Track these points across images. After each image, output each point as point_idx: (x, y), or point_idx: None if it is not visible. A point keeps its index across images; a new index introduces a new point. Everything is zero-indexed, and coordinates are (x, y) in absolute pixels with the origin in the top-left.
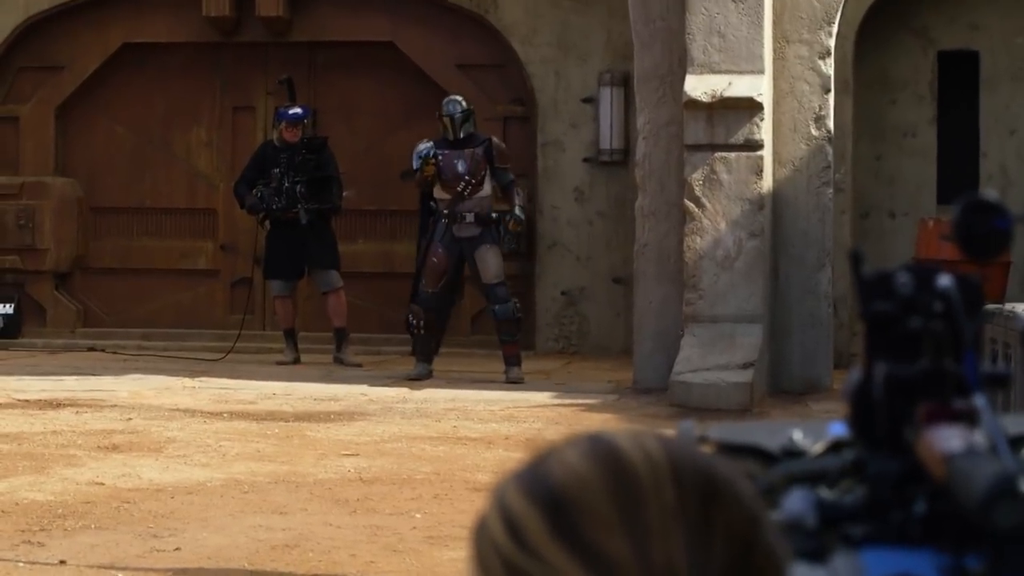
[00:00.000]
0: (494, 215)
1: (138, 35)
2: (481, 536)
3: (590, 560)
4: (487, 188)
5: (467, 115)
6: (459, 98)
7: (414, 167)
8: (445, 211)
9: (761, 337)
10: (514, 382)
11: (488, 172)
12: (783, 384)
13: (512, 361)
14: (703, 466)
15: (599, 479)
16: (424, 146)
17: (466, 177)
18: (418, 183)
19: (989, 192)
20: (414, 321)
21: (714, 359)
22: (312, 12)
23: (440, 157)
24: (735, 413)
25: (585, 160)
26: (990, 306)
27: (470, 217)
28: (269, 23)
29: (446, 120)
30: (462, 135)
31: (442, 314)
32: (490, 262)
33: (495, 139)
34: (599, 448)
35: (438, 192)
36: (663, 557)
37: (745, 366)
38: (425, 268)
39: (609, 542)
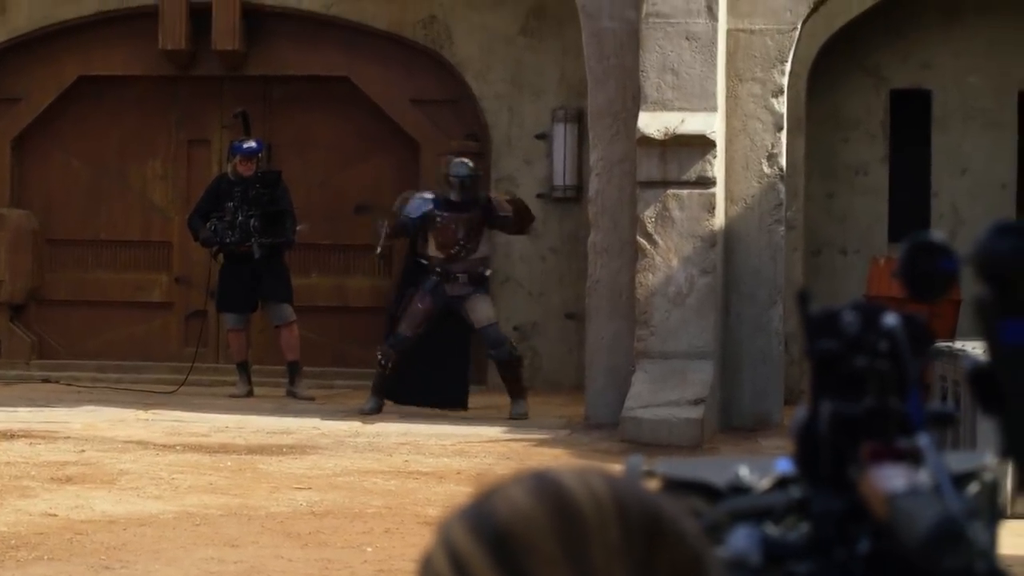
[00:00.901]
0: (487, 273)
1: (94, 68)
2: (427, 572)
3: None
4: (482, 249)
5: (474, 179)
6: (467, 161)
7: (412, 215)
8: (438, 269)
9: (712, 373)
10: (517, 418)
11: (485, 235)
12: (734, 420)
13: (516, 395)
14: (648, 504)
15: (544, 517)
16: (426, 199)
17: (462, 242)
18: (390, 233)
19: (935, 233)
20: (383, 361)
21: (665, 395)
22: (268, 46)
23: (439, 218)
24: (686, 449)
25: (538, 196)
26: (940, 344)
27: (463, 278)
28: (225, 57)
29: (453, 180)
30: (464, 198)
31: (407, 355)
32: (479, 308)
33: (493, 195)
34: (544, 486)
35: (432, 250)
36: None
37: (696, 402)
38: (408, 313)
39: None
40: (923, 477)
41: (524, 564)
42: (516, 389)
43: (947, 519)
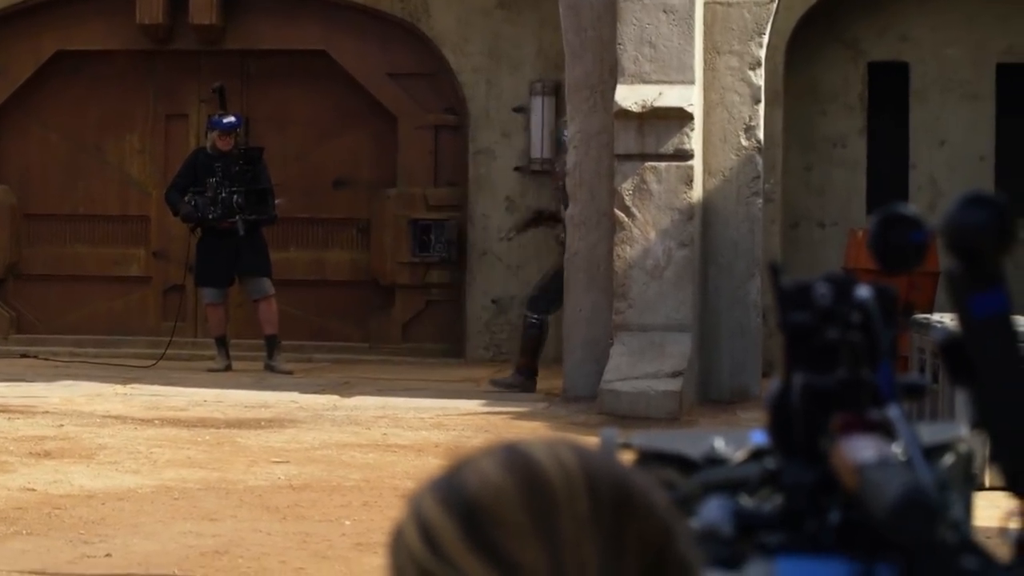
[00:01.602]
0: None
1: (71, 42)
2: (397, 544)
3: (504, 568)
4: None
5: None
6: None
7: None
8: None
9: (690, 346)
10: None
11: None
12: (712, 393)
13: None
14: (618, 477)
15: (514, 489)
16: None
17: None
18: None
19: (906, 205)
20: (539, 324)
21: (643, 368)
22: (245, 20)
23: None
24: (664, 421)
25: (516, 169)
26: (918, 316)
27: None
28: (202, 31)
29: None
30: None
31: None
32: None
33: None
34: (514, 458)
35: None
36: (575, 566)
37: (674, 375)
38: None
39: (523, 551)
40: (893, 448)
41: (494, 536)
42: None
43: (913, 489)
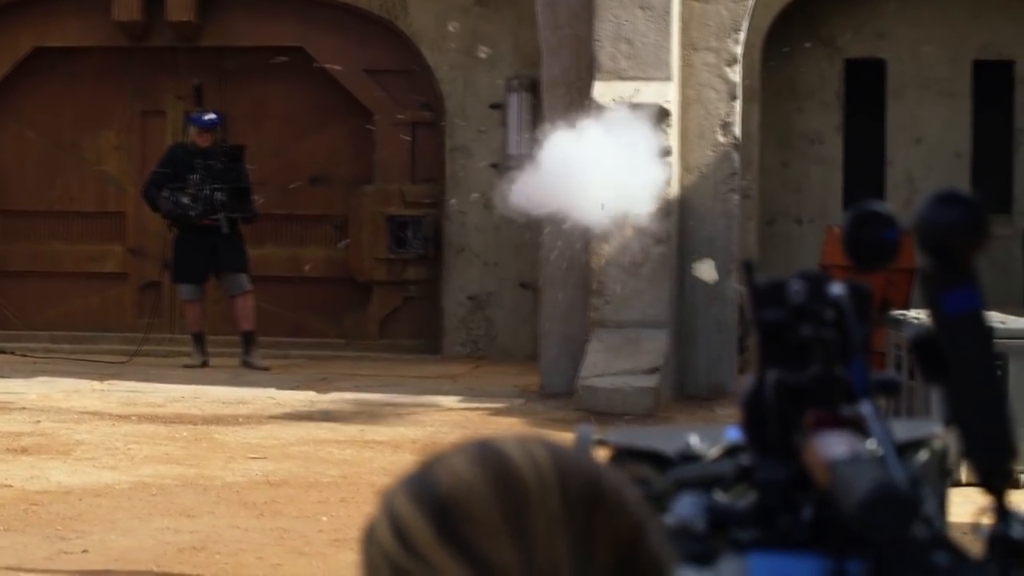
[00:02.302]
0: None
1: (48, 39)
2: (370, 540)
3: (475, 564)
4: None
5: None
6: None
7: None
8: None
9: (667, 342)
10: None
11: None
12: (689, 389)
13: None
14: (589, 473)
15: (485, 485)
16: None
17: None
18: None
19: (879, 203)
20: None
21: (620, 364)
22: (222, 17)
23: None
24: (641, 418)
25: (493, 166)
26: (895, 313)
27: None
28: (179, 28)
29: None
30: None
31: None
32: None
33: None
34: (486, 455)
35: None
36: (547, 563)
37: (651, 371)
38: None
39: (494, 547)
40: (865, 445)
41: (465, 532)
42: None
43: (883, 485)
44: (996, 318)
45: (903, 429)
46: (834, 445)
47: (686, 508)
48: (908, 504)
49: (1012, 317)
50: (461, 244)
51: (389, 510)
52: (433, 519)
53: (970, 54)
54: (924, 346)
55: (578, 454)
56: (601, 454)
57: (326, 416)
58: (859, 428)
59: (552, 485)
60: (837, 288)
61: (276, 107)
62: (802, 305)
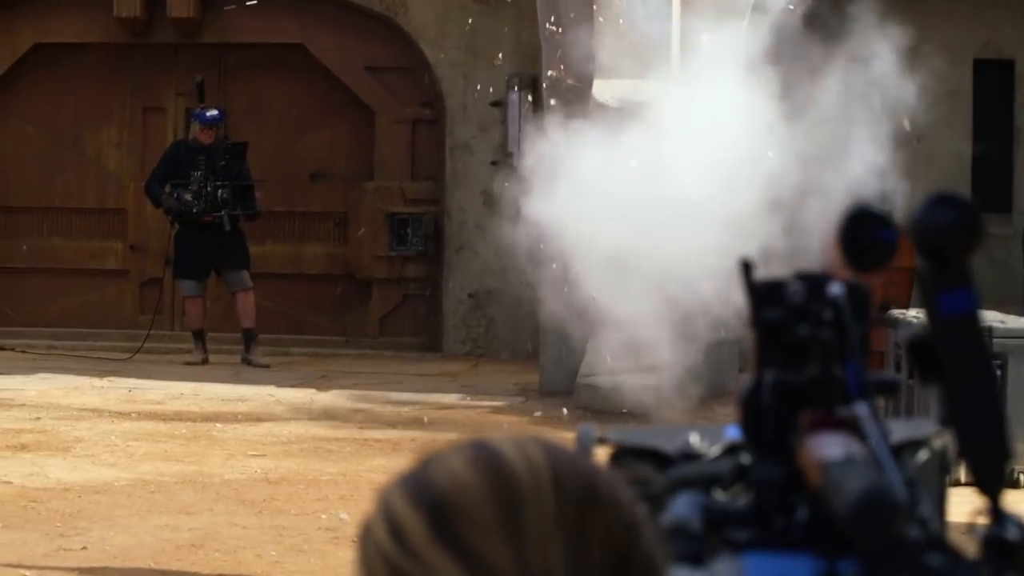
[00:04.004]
0: None
1: (49, 35)
2: (365, 539)
3: (470, 563)
4: None
5: None
6: None
7: None
8: None
9: (668, 340)
10: None
11: None
12: (690, 387)
13: None
14: (584, 473)
15: (480, 485)
16: None
17: None
18: None
19: (875, 203)
20: None
21: (620, 362)
22: (223, 14)
23: None
24: (641, 416)
25: (493, 163)
26: (894, 312)
27: None
28: (180, 24)
29: None
30: None
31: None
32: None
33: None
34: (482, 454)
35: None
36: (541, 562)
37: (651, 369)
38: None
39: (489, 546)
40: (860, 446)
41: (460, 531)
42: None
43: (874, 487)
44: (996, 318)
45: (902, 429)
46: (828, 446)
47: (682, 507)
48: (898, 506)
49: (1012, 317)
50: (461, 242)
51: (385, 509)
52: (428, 518)
53: (971, 53)
54: (919, 347)
55: (573, 454)
56: (601, 452)
57: (326, 414)
58: (855, 429)
59: (547, 485)
60: (836, 288)
61: (276, 104)
62: (801, 305)
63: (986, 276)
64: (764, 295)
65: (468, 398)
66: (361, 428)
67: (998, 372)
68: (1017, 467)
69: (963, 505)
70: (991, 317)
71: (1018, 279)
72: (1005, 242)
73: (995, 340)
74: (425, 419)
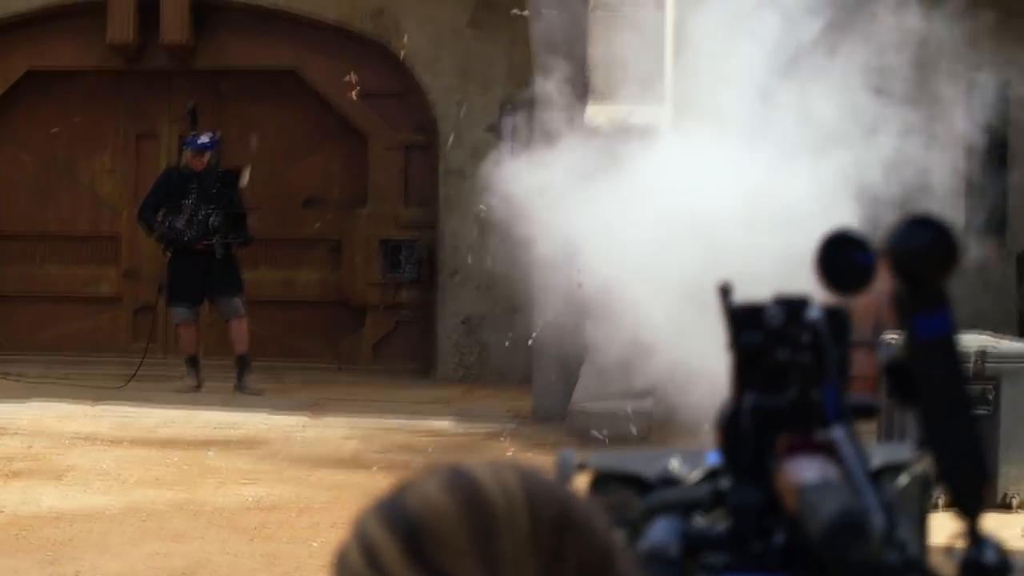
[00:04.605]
0: None
1: (42, 61)
2: (341, 563)
3: None
4: None
5: None
6: None
7: None
8: None
9: (660, 365)
10: None
11: None
12: (682, 412)
13: None
14: (559, 499)
15: (455, 509)
16: None
17: None
18: None
19: (853, 227)
20: None
21: (613, 387)
22: (216, 39)
23: None
24: (634, 441)
25: (487, 188)
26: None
27: None
28: (173, 50)
29: None
30: None
31: None
32: None
33: None
34: (457, 479)
35: None
36: None
37: (644, 394)
38: None
39: (462, 570)
40: (837, 470)
41: (435, 556)
42: None
43: (847, 511)
44: (988, 341)
45: (883, 453)
46: (805, 470)
47: (660, 533)
48: (872, 530)
49: (1005, 340)
50: (454, 267)
51: (360, 533)
52: (402, 542)
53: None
54: (896, 370)
55: (549, 480)
56: (582, 478)
57: (319, 440)
58: (833, 453)
59: (521, 509)
60: (814, 312)
61: (269, 129)
62: (779, 328)
63: (980, 299)
64: (743, 319)
65: (461, 424)
66: (354, 454)
67: (991, 396)
68: (1010, 490)
69: (944, 529)
70: (984, 341)
71: (1012, 302)
72: (1000, 265)
73: (988, 364)
74: (418, 445)
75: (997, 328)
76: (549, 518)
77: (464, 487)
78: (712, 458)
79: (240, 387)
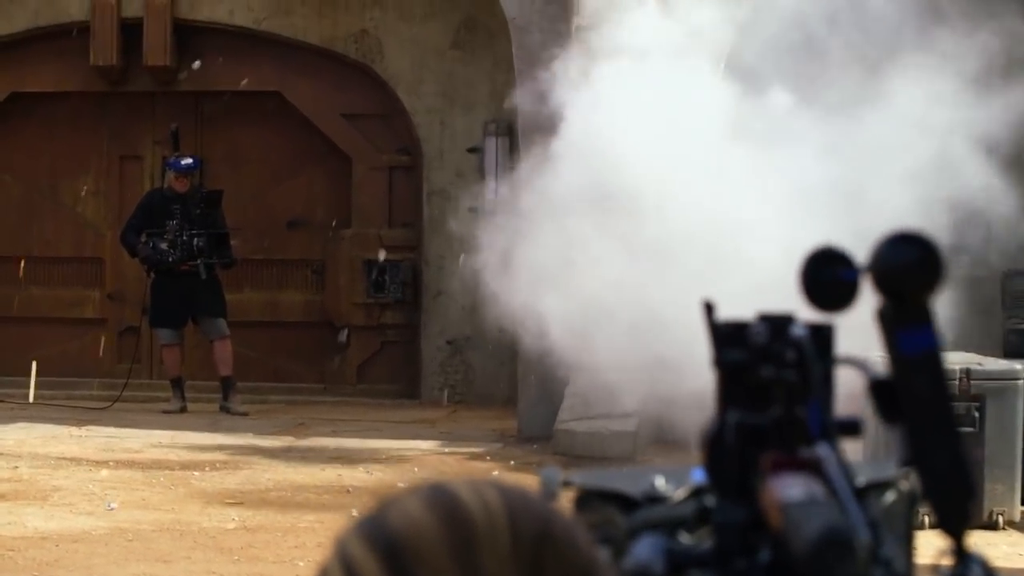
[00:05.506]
0: None
1: (25, 84)
2: None
3: None
4: None
5: None
6: None
7: None
8: None
9: (645, 385)
10: None
11: None
12: (668, 432)
13: None
14: (540, 516)
15: (435, 526)
16: None
17: None
18: None
19: (836, 244)
20: None
21: (598, 408)
22: (199, 61)
23: None
24: (619, 461)
25: (471, 209)
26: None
27: None
28: (156, 72)
29: None
30: None
31: None
32: None
33: None
34: (438, 497)
35: None
36: None
37: (629, 415)
38: None
39: None
40: (822, 487)
41: (415, 572)
42: None
43: (831, 528)
44: (973, 360)
45: (870, 470)
46: (789, 487)
47: (645, 550)
48: (856, 547)
49: (989, 359)
50: (439, 288)
51: (341, 551)
52: (383, 560)
53: None
54: (880, 387)
55: (530, 497)
56: (566, 496)
57: (304, 461)
58: (817, 470)
59: (502, 527)
60: (799, 329)
61: (253, 151)
62: (764, 346)
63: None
64: (727, 336)
65: (446, 444)
66: (339, 475)
67: (976, 414)
68: (996, 508)
69: (930, 547)
70: (969, 359)
71: (997, 321)
72: (985, 284)
73: (973, 382)
74: (403, 466)
75: (983, 348)
76: (530, 535)
77: (445, 504)
78: (697, 476)
79: (225, 408)
